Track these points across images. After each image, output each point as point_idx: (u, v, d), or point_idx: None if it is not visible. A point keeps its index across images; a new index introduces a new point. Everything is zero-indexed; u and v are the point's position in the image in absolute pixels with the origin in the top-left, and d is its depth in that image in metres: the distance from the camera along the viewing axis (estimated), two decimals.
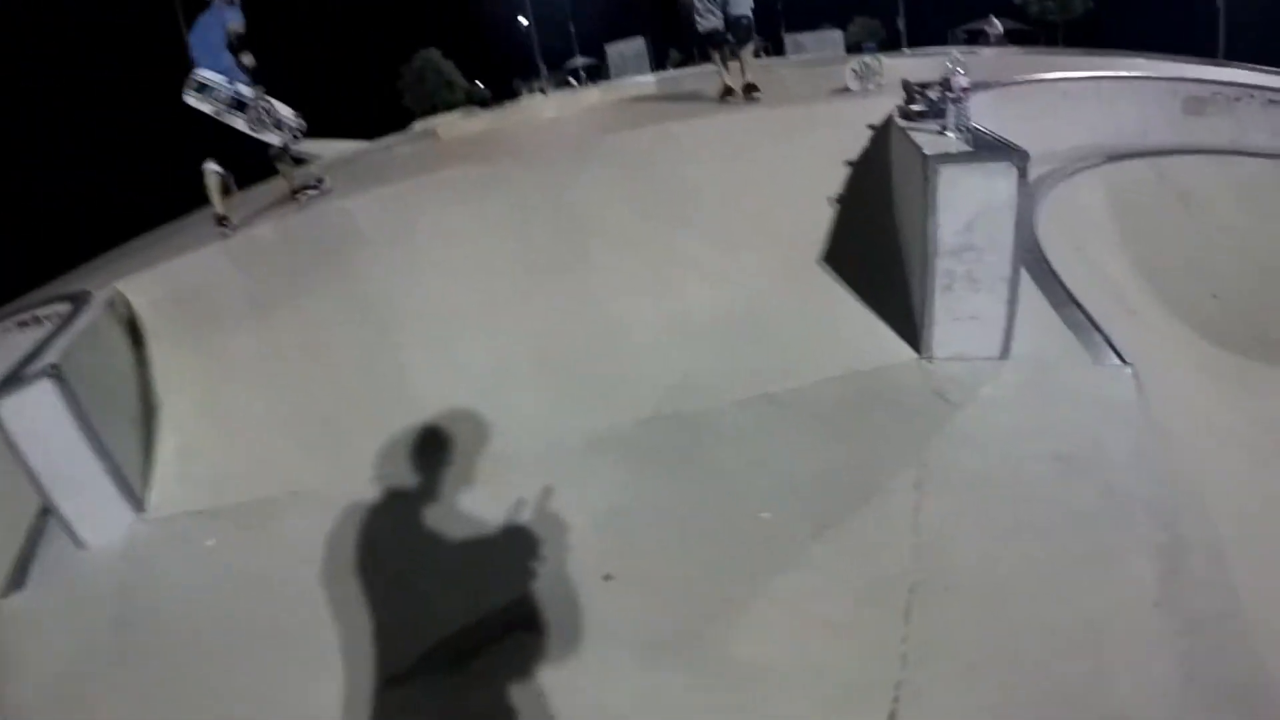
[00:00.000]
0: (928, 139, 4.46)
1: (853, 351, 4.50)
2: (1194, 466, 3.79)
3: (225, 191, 6.91)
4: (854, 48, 19.71)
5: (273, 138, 6.86)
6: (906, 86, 5.35)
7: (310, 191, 7.17)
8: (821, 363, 4.41)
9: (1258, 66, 10.27)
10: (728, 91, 8.15)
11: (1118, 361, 4.54)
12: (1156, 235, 7.23)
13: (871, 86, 7.63)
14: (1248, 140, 8.70)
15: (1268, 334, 6.16)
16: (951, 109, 4.44)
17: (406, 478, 4.18)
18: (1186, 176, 8.16)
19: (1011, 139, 4.32)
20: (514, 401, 4.55)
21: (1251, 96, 8.85)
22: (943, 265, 4.19)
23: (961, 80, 4.37)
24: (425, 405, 4.61)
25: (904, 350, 4.50)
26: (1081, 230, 6.83)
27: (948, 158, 4.01)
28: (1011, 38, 20.72)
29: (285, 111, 6.96)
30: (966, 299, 4.27)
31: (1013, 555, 3.11)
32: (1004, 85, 8.58)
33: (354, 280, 5.70)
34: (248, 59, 6.64)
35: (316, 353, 5.26)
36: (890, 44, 18.26)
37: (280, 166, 7.33)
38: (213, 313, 5.58)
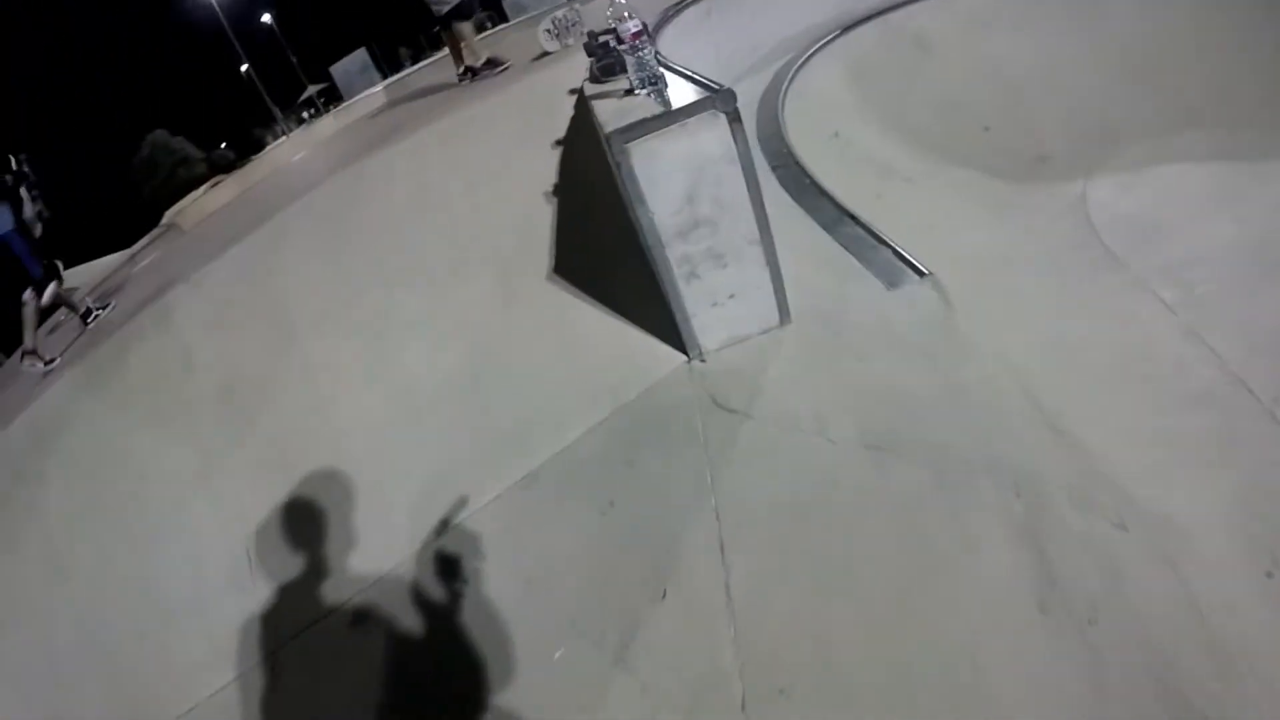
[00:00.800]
0: (613, 107, 3.66)
1: (613, 380, 3.70)
2: (1025, 366, 3.23)
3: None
4: None
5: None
6: (588, 43, 4.55)
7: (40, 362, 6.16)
8: (580, 409, 3.60)
9: None
10: (469, 71, 7.79)
11: (915, 276, 3.95)
12: (909, 90, 6.77)
13: (571, 41, 6.85)
14: None
15: (1043, 149, 5.76)
16: (630, 61, 3.64)
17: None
18: (918, 22, 7.75)
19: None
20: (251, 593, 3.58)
21: None
22: (675, 253, 3.42)
23: (630, 25, 3.55)
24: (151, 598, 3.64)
25: (671, 357, 3.75)
26: (834, 114, 6.31)
27: (632, 130, 3.19)
28: None
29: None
30: (717, 279, 3.52)
31: (846, 611, 2.41)
32: None
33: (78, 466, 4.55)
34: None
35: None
36: None
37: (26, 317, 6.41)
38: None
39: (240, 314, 5.13)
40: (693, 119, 3.18)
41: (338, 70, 21.97)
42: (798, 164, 5.19)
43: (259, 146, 21.75)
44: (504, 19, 19.87)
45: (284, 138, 19.13)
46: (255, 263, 5.65)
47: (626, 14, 3.55)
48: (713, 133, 3.20)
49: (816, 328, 3.70)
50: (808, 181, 4.99)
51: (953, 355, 3.40)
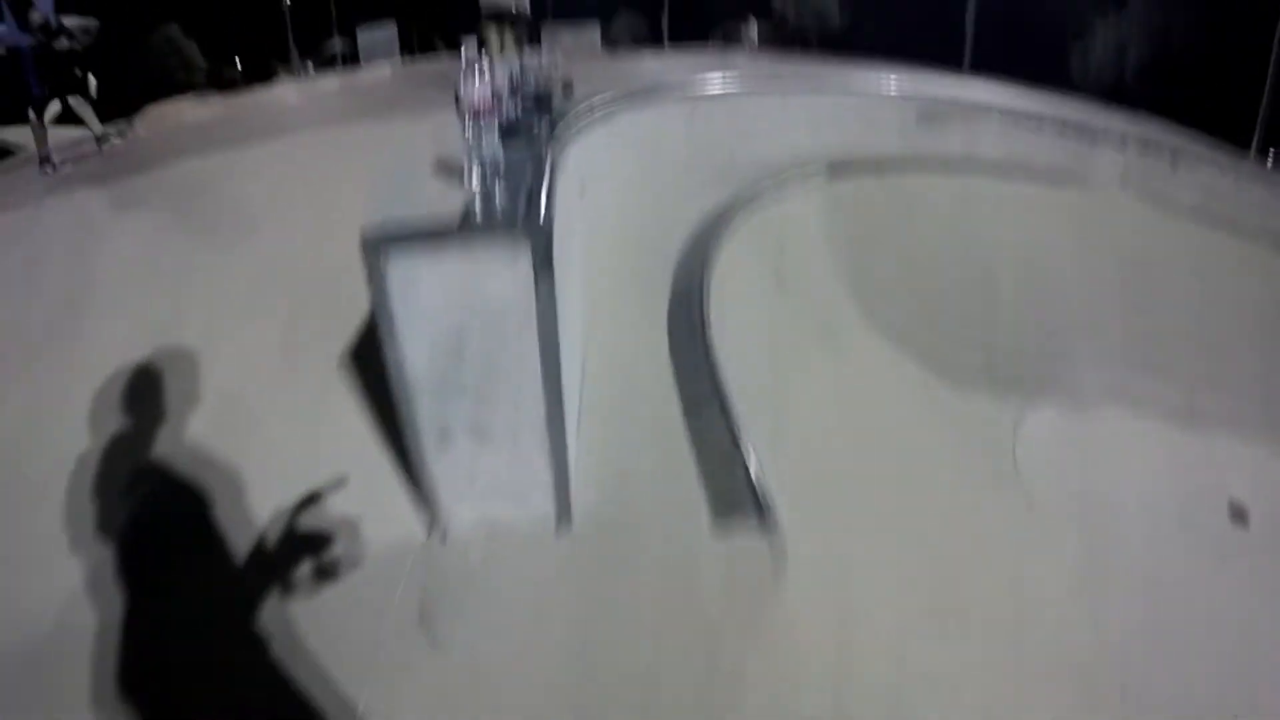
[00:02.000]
0: (415, 190, 2.77)
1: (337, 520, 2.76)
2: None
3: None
4: (615, 43, 18.25)
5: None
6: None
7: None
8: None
9: (1003, 79, 9.56)
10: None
11: (755, 512, 3.03)
12: (882, 252, 5.92)
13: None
14: (981, 154, 7.69)
15: (994, 353, 4.88)
16: (475, 138, 2.74)
17: None
18: (914, 188, 6.99)
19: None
20: None
21: (988, 114, 7.90)
22: (426, 409, 2.50)
23: (478, 90, 2.65)
24: None
25: (408, 523, 2.80)
26: (792, 254, 5.48)
27: (399, 235, 2.27)
28: (777, 39, 19.77)
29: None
30: (480, 457, 2.60)
31: None
32: (704, 97, 7.21)
33: None
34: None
35: None
36: (654, 39, 17.05)
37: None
38: None
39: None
40: (483, 242, 2.28)
41: (363, 35, 21.36)
42: (701, 310, 4.33)
43: (263, 78, 21.02)
44: (536, 41, 19.22)
45: (289, 79, 18.52)
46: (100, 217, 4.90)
47: (482, 72, 2.67)
48: (509, 270, 2.30)
49: (600, 551, 2.78)
50: (698, 337, 4.12)
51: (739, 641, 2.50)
